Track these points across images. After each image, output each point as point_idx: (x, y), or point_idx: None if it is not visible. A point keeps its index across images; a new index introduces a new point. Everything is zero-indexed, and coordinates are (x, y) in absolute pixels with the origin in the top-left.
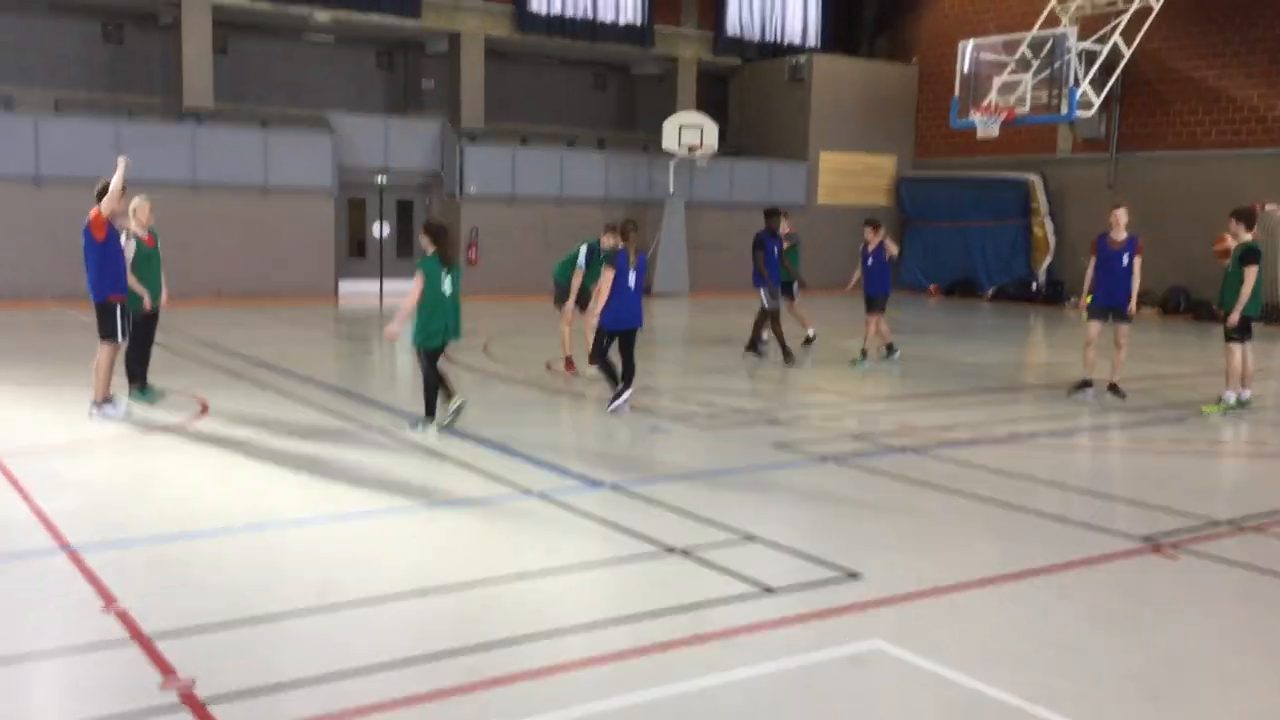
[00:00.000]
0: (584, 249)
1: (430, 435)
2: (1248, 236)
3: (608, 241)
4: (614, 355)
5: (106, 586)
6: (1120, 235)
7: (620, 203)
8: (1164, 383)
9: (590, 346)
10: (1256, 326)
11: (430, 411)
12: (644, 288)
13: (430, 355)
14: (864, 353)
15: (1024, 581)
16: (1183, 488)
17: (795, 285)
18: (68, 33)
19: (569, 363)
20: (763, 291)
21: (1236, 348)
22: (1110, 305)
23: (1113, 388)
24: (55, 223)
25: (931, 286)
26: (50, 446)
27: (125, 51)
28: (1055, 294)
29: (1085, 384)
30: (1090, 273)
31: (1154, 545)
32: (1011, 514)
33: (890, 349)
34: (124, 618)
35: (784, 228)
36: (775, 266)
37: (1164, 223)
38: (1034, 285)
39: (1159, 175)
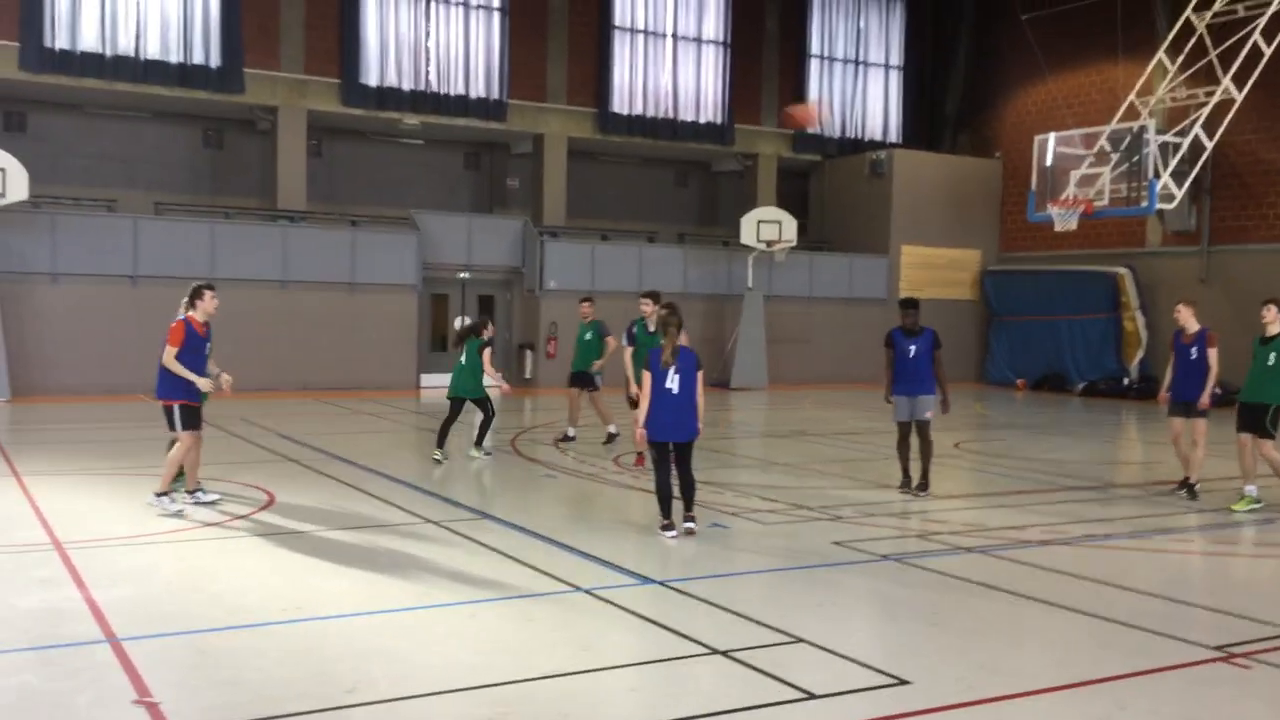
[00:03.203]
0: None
1: (436, 455)
2: None
3: (646, 310)
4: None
5: (143, 678)
6: (1190, 329)
7: (699, 297)
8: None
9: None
10: None
11: (439, 444)
12: (693, 388)
13: (451, 403)
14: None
15: (1081, 691)
16: (1265, 594)
17: (598, 376)
18: (170, 138)
19: (640, 458)
20: (922, 402)
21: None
22: (1184, 400)
23: (1188, 487)
24: (149, 320)
25: (1019, 381)
26: (114, 537)
27: (224, 156)
28: (1149, 389)
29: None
30: (1170, 370)
31: (1226, 654)
32: (1076, 619)
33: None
34: (153, 710)
35: (585, 310)
36: (908, 371)
37: (1258, 316)
38: (1126, 380)
39: (1251, 268)
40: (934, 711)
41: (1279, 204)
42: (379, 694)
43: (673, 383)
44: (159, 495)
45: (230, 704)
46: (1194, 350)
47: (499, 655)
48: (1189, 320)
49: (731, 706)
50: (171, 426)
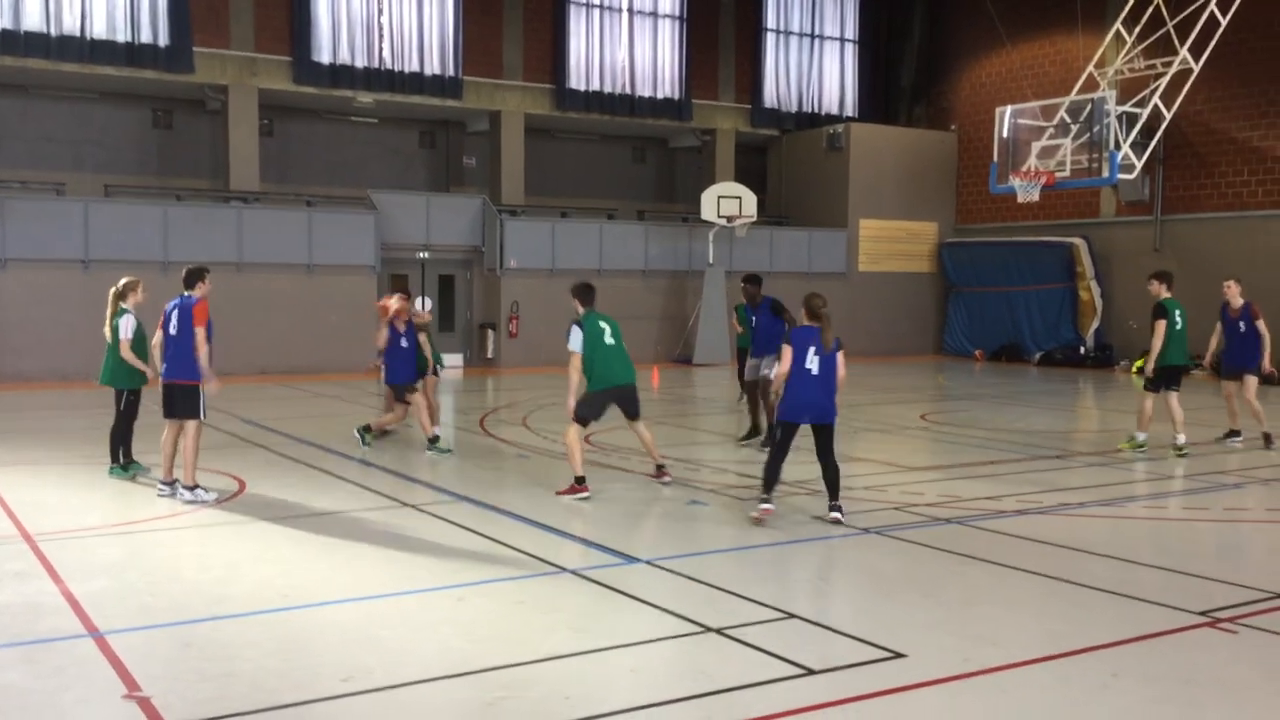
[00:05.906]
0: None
1: None
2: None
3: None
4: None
5: (131, 673)
6: (1236, 303)
7: (660, 273)
8: (1217, 447)
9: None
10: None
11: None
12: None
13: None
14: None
15: (1075, 660)
16: (1240, 558)
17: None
18: (119, 120)
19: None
20: (765, 362)
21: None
22: (1237, 367)
23: (1265, 438)
24: (102, 305)
25: (977, 352)
26: (85, 528)
27: (174, 137)
28: (1105, 358)
29: (1232, 433)
30: (1214, 340)
31: (1211, 619)
32: (1061, 588)
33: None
34: (145, 705)
35: (419, 309)
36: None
37: (1211, 285)
38: (1082, 349)
39: (1204, 237)
40: (934, 684)
41: (1229, 173)
42: (375, 682)
43: (816, 365)
44: (191, 489)
45: (225, 696)
46: (1241, 324)
47: (492, 639)
48: (1235, 296)
49: (733, 684)
50: (193, 413)
